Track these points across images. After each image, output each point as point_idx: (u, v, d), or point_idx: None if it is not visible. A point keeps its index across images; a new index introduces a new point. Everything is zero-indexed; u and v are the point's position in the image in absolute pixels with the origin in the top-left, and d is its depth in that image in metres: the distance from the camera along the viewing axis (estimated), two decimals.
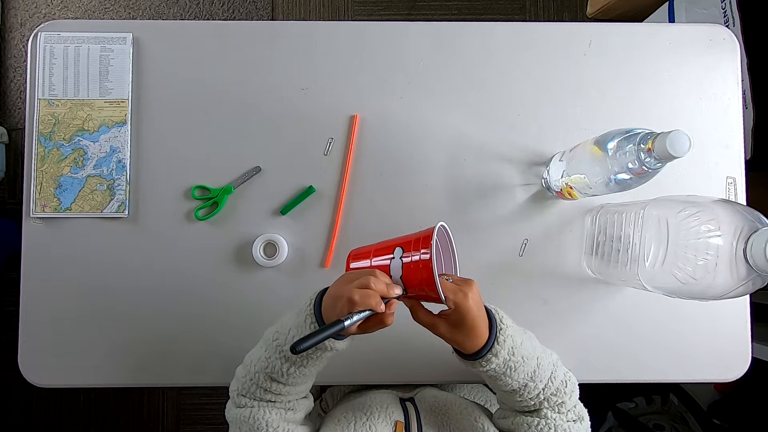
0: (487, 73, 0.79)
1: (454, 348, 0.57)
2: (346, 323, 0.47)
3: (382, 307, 0.49)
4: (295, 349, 0.45)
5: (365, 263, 0.56)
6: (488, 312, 0.55)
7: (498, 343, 0.53)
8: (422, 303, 0.55)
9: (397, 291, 0.52)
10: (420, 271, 0.51)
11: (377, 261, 0.55)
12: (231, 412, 0.59)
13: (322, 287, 0.56)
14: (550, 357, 0.59)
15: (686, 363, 0.77)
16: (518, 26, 0.80)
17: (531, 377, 0.56)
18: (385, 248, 0.55)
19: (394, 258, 0.53)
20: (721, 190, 0.78)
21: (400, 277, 0.53)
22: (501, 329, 0.54)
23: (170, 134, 0.77)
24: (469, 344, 0.53)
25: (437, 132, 0.78)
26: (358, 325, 0.51)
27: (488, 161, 0.78)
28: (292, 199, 0.77)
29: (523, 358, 0.55)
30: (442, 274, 0.57)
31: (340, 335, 0.53)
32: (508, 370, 0.54)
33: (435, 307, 0.54)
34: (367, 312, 0.49)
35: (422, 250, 0.51)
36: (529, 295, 0.77)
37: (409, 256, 0.52)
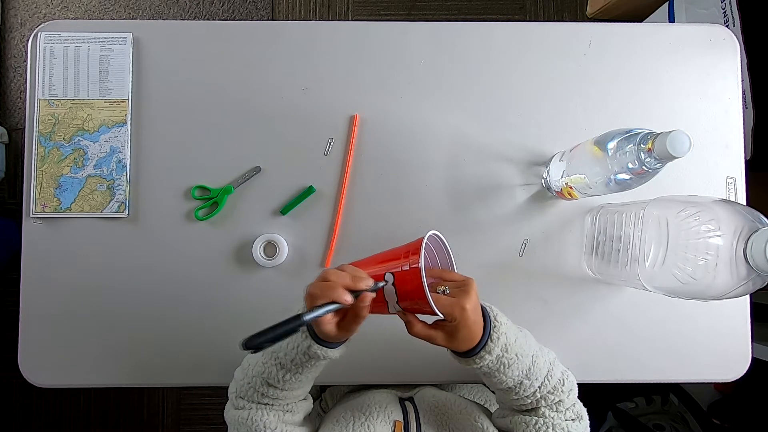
0: (487, 73, 0.79)
1: None
2: (306, 318, 0.45)
3: (347, 297, 0.47)
4: (246, 344, 0.43)
5: None
6: (483, 309, 0.55)
7: (491, 341, 0.53)
8: (418, 316, 0.54)
9: (368, 282, 0.49)
10: (412, 289, 0.50)
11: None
12: (229, 413, 0.59)
13: None
14: (546, 355, 0.59)
15: (686, 363, 0.77)
16: (518, 26, 0.80)
17: (526, 375, 0.56)
18: (379, 262, 0.54)
19: (387, 283, 0.51)
20: (721, 190, 0.78)
21: (396, 302, 0.51)
22: (495, 327, 0.54)
23: (170, 134, 0.77)
24: (464, 344, 0.53)
25: (437, 132, 0.78)
26: (337, 325, 0.50)
27: (488, 161, 0.78)
28: (292, 199, 0.77)
29: (517, 355, 0.55)
30: (438, 283, 0.56)
31: (329, 343, 0.53)
32: (502, 366, 0.54)
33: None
34: (334, 306, 0.47)
35: (412, 263, 0.50)
36: (528, 295, 0.77)
37: (400, 273, 0.51)
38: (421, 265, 0.49)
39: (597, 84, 0.79)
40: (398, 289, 0.50)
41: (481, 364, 0.54)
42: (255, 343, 0.43)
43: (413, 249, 0.51)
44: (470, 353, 0.54)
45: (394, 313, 0.53)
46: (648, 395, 1.41)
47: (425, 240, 0.51)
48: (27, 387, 0.77)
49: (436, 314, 0.50)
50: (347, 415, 0.60)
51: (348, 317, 0.50)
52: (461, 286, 0.54)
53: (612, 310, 0.77)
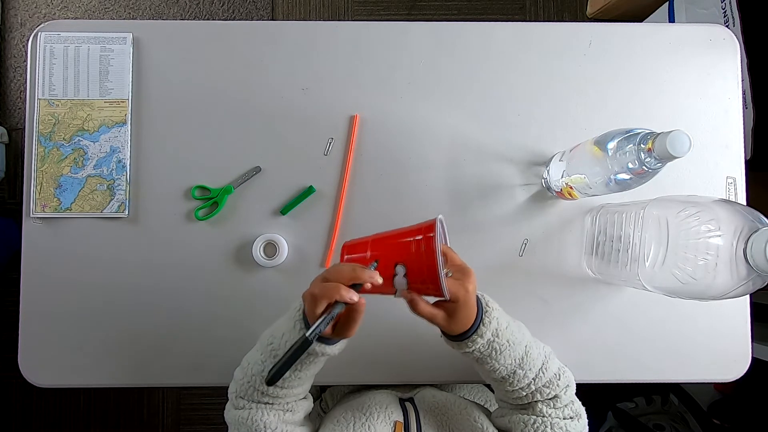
0: (487, 73, 0.79)
1: (442, 331, 0.57)
2: (311, 337, 0.46)
3: (351, 295, 0.47)
4: (270, 381, 0.45)
5: (362, 257, 0.54)
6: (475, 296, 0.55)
7: (483, 324, 0.54)
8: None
9: (375, 278, 0.48)
10: (427, 272, 0.50)
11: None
12: (230, 413, 0.59)
13: None
14: (541, 349, 0.59)
15: (686, 363, 0.77)
16: (518, 26, 0.80)
17: (519, 364, 0.56)
18: (388, 243, 0.53)
19: (397, 275, 0.51)
20: (721, 190, 0.78)
21: (406, 285, 0.51)
22: (486, 311, 0.55)
23: (170, 134, 0.77)
24: (458, 328, 0.54)
25: (437, 132, 0.78)
26: (332, 329, 0.50)
27: (488, 161, 0.78)
28: (292, 199, 0.77)
29: (508, 341, 0.55)
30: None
31: (328, 339, 0.53)
32: (494, 352, 0.55)
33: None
34: (335, 312, 0.47)
35: (426, 246, 0.50)
36: (528, 295, 0.77)
37: (413, 256, 0.50)
38: (438, 247, 0.49)
39: (597, 84, 0.79)
40: (410, 272, 0.50)
41: (473, 347, 0.54)
42: (277, 377, 0.45)
43: (425, 232, 0.51)
44: (462, 337, 0.54)
45: (399, 296, 0.53)
46: (648, 395, 1.41)
47: (438, 227, 0.51)
48: (27, 387, 0.77)
49: (443, 295, 0.51)
50: (347, 416, 0.60)
51: (342, 319, 0.50)
52: (461, 270, 0.54)
53: (612, 310, 0.77)
